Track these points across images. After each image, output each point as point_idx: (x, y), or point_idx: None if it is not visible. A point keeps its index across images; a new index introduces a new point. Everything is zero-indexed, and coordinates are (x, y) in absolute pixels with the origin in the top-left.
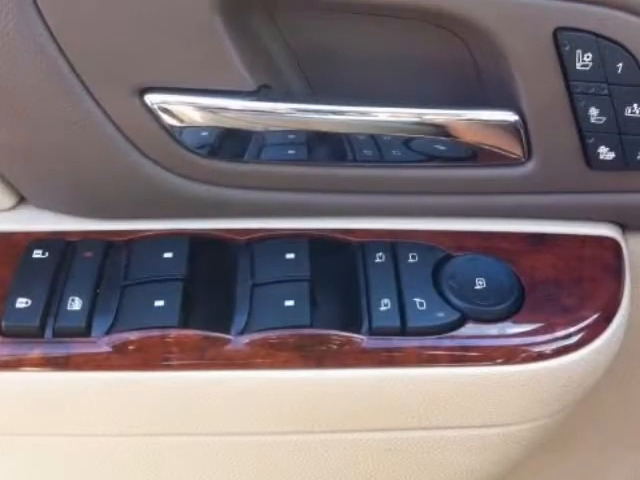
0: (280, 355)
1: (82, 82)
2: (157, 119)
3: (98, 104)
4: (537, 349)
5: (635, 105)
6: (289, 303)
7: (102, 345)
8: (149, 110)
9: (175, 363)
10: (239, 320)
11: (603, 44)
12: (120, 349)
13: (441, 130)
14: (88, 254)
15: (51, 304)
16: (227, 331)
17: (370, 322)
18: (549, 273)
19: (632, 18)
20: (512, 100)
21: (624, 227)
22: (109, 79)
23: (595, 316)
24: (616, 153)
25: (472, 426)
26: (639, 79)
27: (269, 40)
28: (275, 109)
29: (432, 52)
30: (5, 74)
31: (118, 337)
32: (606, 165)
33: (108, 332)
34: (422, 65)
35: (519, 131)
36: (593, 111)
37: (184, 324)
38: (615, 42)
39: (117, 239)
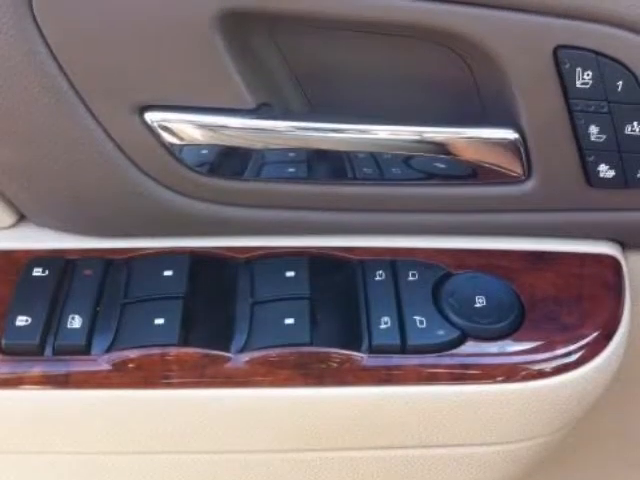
0: (280, 373)
1: (82, 100)
2: (157, 137)
3: (98, 122)
4: (537, 367)
5: (635, 123)
6: (289, 321)
7: (102, 363)
8: (149, 128)
9: (175, 381)
10: (239, 338)
11: (603, 62)
12: (120, 367)
13: (441, 148)
14: (88, 272)
15: (51, 322)
16: (227, 349)
17: (370, 340)
18: (549, 291)
19: (632, 36)
20: (512, 118)
21: (624, 245)
22: (109, 97)
23: (595, 334)
24: (616, 171)
25: (472, 444)
26: (639, 97)
27: (269, 58)
28: (275, 127)
29: (432, 70)
30: (5, 92)
31: (118, 355)
32: (606, 183)
33: (108, 350)
34: (422, 83)
35: (519, 149)
36: (593, 129)
37: (184, 342)
38: (615, 60)
39: (117, 257)
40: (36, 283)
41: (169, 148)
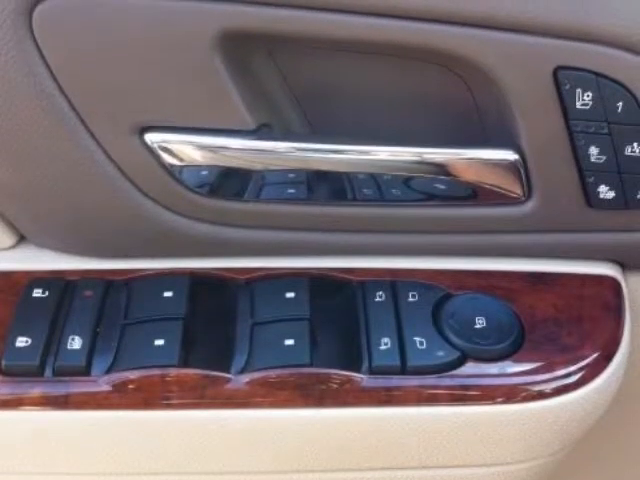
0: (280, 394)
1: (82, 121)
2: (157, 158)
3: (98, 143)
4: (537, 388)
5: (635, 144)
6: (289, 342)
7: (102, 384)
8: (149, 149)
9: (175, 402)
10: (239, 359)
11: (603, 83)
12: (120, 388)
13: (441, 169)
14: (88, 293)
15: (51, 343)
16: (227, 370)
17: (370, 361)
18: (549, 312)
19: (632, 57)
20: (512, 139)
21: (624, 266)
22: (109, 118)
23: (595, 355)
24: (616, 192)
25: (472, 465)
26: (639, 118)
27: (269, 79)
28: (275, 148)
29: (432, 90)
30: (5, 113)
31: (118, 376)
32: (606, 204)
33: (108, 371)
34: (422, 103)
35: (519, 170)
36: (593, 150)
37: (184, 363)
38: (615, 81)
39: (117, 278)
40: (36, 304)
41: (169, 169)
